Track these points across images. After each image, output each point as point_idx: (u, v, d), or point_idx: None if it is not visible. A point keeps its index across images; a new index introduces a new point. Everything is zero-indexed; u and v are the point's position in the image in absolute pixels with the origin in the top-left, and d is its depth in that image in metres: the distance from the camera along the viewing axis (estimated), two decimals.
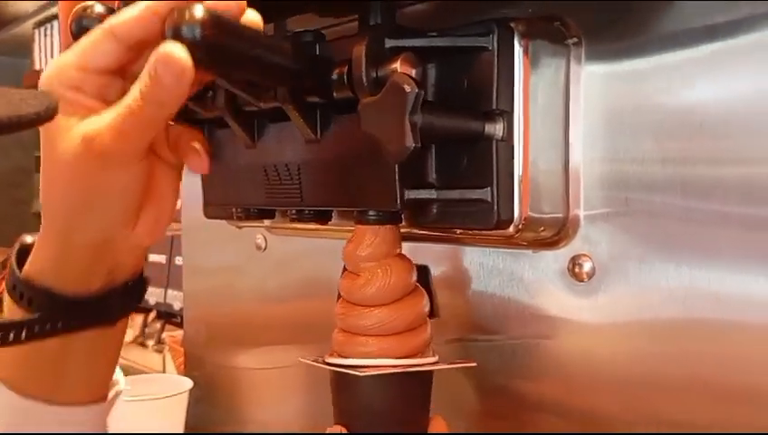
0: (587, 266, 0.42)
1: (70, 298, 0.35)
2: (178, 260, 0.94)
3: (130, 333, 1.50)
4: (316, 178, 0.44)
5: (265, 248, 0.64)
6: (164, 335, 1.27)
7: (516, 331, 0.47)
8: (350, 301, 0.41)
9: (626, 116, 0.41)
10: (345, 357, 0.40)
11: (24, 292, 0.36)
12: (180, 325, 1.07)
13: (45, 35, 2.49)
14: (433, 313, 0.51)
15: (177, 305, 0.93)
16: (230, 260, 0.70)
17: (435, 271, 0.51)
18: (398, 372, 0.37)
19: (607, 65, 0.41)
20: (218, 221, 0.64)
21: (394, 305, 0.39)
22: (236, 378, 0.70)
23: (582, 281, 0.43)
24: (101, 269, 0.36)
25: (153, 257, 1.00)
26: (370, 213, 0.42)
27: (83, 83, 0.32)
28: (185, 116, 0.50)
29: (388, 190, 0.40)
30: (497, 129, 0.39)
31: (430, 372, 0.40)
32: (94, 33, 0.32)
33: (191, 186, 0.74)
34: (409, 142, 0.34)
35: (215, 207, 0.55)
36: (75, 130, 0.31)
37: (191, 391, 0.66)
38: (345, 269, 0.43)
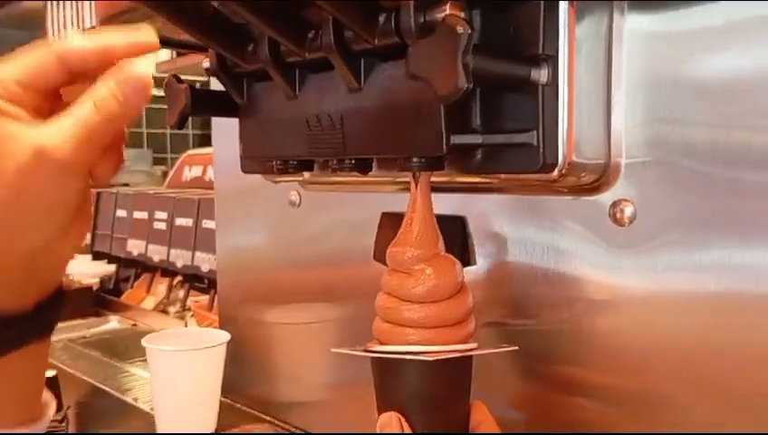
0: (628, 211, 0.43)
1: (6, 317, 0.32)
2: (205, 223, 0.96)
3: (152, 301, 1.52)
4: (359, 126, 0.45)
5: (299, 205, 0.65)
6: (188, 301, 1.28)
7: (555, 278, 0.48)
8: (397, 296, 0.40)
9: (667, 73, 0.41)
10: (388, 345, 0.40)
11: None
12: (206, 290, 1.09)
13: (58, 8, 2.49)
14: (469, 261, 0.53)
15: (204, 267, 0.95)
16: (263, 218, 0.71)
17: (472, 221, 0.52)
18: (446, 359, 0.38)
19: (650, 20, 0.42)
20: (251, 182, 0.65)
21: (444, 302, 0.39)
22: (269, 334, 0.72)
23: (623, 225, 0.43)
24: (35, 283, 0.34)
25: (180, 221, 1.01)
26: (414, 159, 0.42)
27: (23, 99, 0.31)
28: (224, 70, 0.51)
29: (434, 135, 0.40)
30: (542, 74, 0.39)
31: (471, 358, 0.40)
32: (40, 51, 0.32)
33: (223, 149, 0.75)
34: (462, 83, 0.34)
35: (253, 161, 0.56)
36: (23, 140, 0.30)
37: (227, 345, 0.67)
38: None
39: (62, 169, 0.30)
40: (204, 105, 0.52)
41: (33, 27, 2.65)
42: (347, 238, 0.63)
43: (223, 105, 0.53)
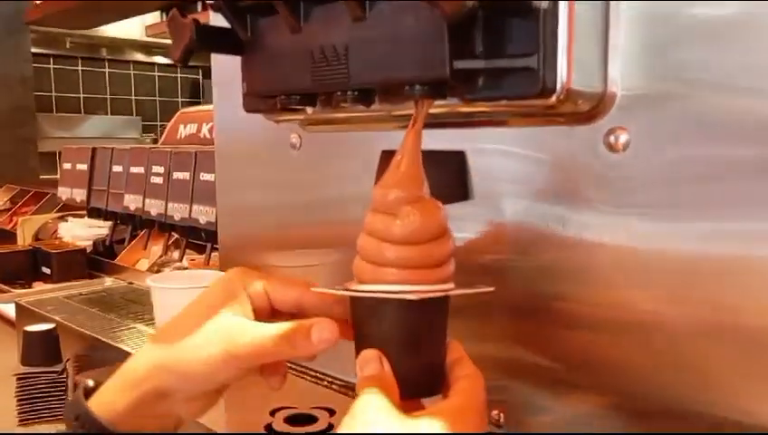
0: (623, 138, 0.45)
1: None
2: (202, 176, 0.96)
3: (146, 263, 1.53)
4: (364, 56, 0.46)
5: (300, 147, 0.66)
6: (185, 259, 1.29)
7: (550, 206, 0.49)
8: (379, 237, 0.40)
9: (665, 4, 0.43)
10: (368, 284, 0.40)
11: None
12: (202, 246, 1.10)
13: None
14: (467, 195, 0.54)
15: (202, 220, 0.96)
16: (263, 164, 0.72)
17: (470, 155, 0.53)
18: (426, 299, 0.38)
19: None
20: (251, 130, 0.66)
21: (426, 245, 0.39)
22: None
23: (618, 152, 0.45)
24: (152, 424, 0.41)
25: (177, 175, 1.02)
26: (417, 87, 0.44)
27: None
28: (228, 4, 0.52)
29: (437, 61, 0.42)
30: (543, 2, 0.41)
31: (449, 298, 0.40)
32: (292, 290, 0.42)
33: (223, 101, 0.76)
34: (467, 3, 0.35)
35: (256, 99, 0.57)
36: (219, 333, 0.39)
37: None
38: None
39: (237, 361, 0.38)
40: (208, 41, 0.53)
41: None
42: (348, 179, 0.64)
43: (227, 41, 0.54)
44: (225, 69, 0.75)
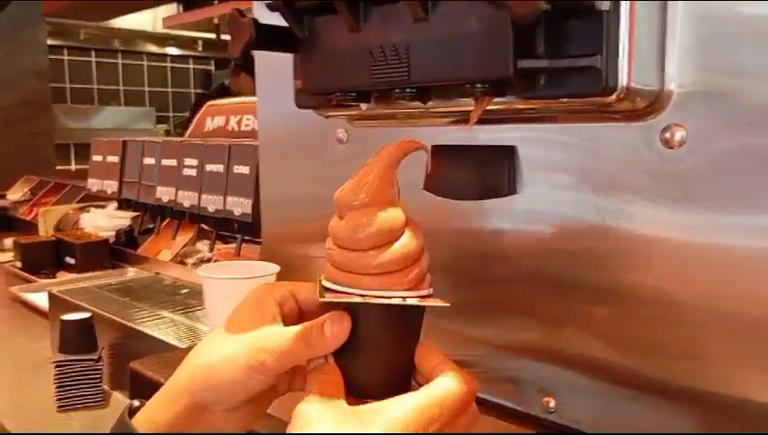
0: (679, 135, 0.46)
1: None
2: (236, 169, 0.98)
3: (168, 254, 1.55)
4: (425, 54, 0.47)
5: (347, 141, 0.68)
6: (213, 251, 1.31)
7: (604, 201, 0.51)
8: (337, 244, 0.41)
9: (722, 4, 0.44)
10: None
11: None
12: (232, 237, 1.11)
13: None
14: (512, 189, 0.55)
15: (236, 211, 0.97)
16: (308, 158, 0.73)
17: (522, 150, 0.55)
18: (375, 305, 0.38)
19: None
20: (295, 123, 0.67)
21: (378, 249, 0.39)
22: (315, 272, 0.75)
23: (673, 148, 0.46)
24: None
25: (210, 167, 1.04)
26: (478, 85, 0.45)
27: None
28: (287, 4, 0.53)
29: (501, 60, 0.43)
30: (605, 3, 0.42)
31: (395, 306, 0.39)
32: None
33: (267, 94, 0.77)
34: (541, 3, 0.37)
35: (308, 95, 0.58)
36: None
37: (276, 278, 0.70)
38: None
39: (260, 366, 0.39)
40: (266, 39, 0.54)
41: None
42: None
43: (283, 40, 0.55)
44: (269, 63, 0.76)
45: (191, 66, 3.87)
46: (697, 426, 0.47)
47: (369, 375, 0.40)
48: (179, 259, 1.52)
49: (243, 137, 1.15)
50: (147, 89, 3.73)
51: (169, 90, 3.80)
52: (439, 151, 0.58)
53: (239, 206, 0.96)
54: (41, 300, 1.26)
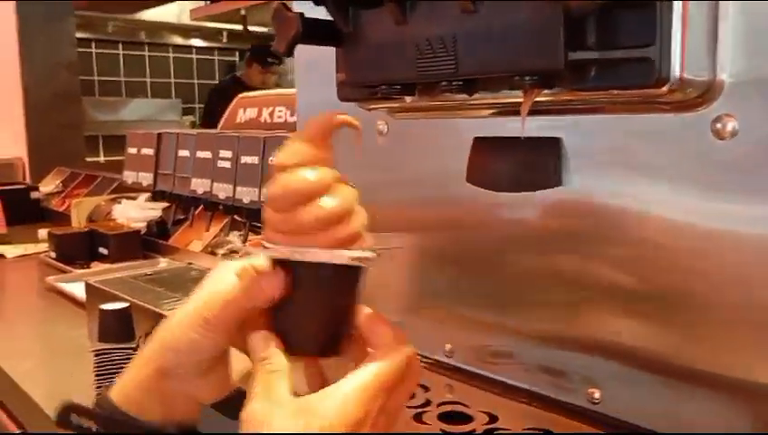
0: (730, 126, 0.46)
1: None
2: (271, 161, 0.99)
3: (199, 244, 1.57)
4: (473, 47, 0.47)
5: (386, 133, 0.68)
6: (246, 243, 1.32)
7: (654, 193, 0.51)
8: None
9: None
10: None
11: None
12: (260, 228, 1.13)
13: None
14: (558, 180, 0.55)
15: None
16: (348, 149, 0.74)
17: (568, 142, 0.55)
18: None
19: None
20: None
21: (301, 208, 0.39)
22: None
23: (724, 139, 0.46)
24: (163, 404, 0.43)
25: (245, 159, 1.05)
26: (527, 77, 0.45)
27: None
28: None
29: (551, 52, 0.43)
30: None
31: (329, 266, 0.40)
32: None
33: (306, 87, 0.78)
34: None
35: (351, 88, 0.59)
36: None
37: None
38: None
39: (206, 322, 0.40)
40: (311, 33, 0.54)
41: None
42: (436, 164, 0.66)
43: (328, 33, 0.56)
44: (309, 55, 0.77)
45: (216, 57, 3.89)
46: (748, 420, 0.47)
47: (301, 332, 0.41)
48: (210, 250, 1.54)
49: (275, 128, 1.16)
50: (173, 80, 3.76)
51: (195, 81, 3.83)
52: (483, 143, 0.59)
53: None
54: (77, 290, 1.29)
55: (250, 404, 0.37)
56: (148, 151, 1.40)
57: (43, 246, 1.72)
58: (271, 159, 1.00)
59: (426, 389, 0.60)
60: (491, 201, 0.60)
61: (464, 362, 0.64)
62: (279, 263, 0.40)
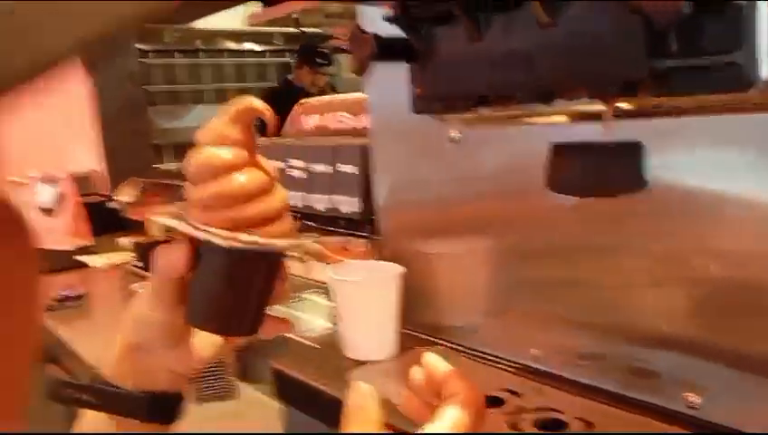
0: None
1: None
2: (340, 168, 1.01)
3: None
4: (551, 59, 0.48)
5: (459, 141, 0.69)
6: (315, 243, 1.35)
7: (741, 193, 0.50)
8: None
9: None
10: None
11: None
12: (336, 232, 1.15)
13: None
14: (640, 185, 0.55)
15: (344, 209, 1.01)
16: (422, 157, 0.75)
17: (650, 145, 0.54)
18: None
19: None
20: (408, 119, 0.69)
21: (204, 184, 0.42)
22: (433, 266, 0.77)
23: None
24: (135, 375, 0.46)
25: (316, 167, 1.08)
26: (610, 87, 0.45)
27: None
28: (406, 17, 0.55)
29: (634, 61, 0.43)
30: None
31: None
32: None
33: (378, 96, 0.79)
34: (686, 7, 0.36)
35: (426, 101, 0.60)
36: None
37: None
38: None
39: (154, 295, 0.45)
40: (385, 52, 0.56)
41: None
42: (509, 170, 0.66)
43: (402, 51, 0.57)
44: (381, 65, 0.78)
45: (270, 60, 3.96)
46: None
47: (196, 306, 0.43)
48: None
49: (338, 134, 1.19)
50: (229, 85, 3.85)
51: (251, 85, 3.91)
52: (562, 149, 0.59)
53: (347, 204, 1.00)
54: None
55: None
56: None
57: (126, 255, 1.80)
58: (338, 166, 1.03)
59: (516, 394, 0.61)
60: (572, 204, 0.60)
61: (552, 366, 0.65)
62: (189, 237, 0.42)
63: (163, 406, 0.46)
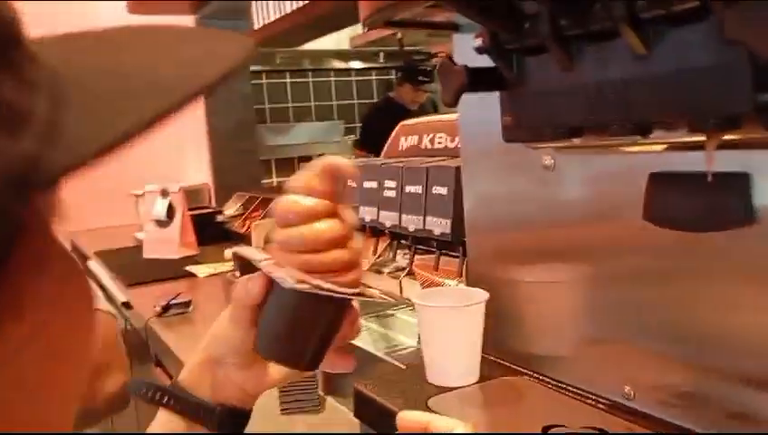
0: None
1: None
2: (434, 190, 1.02)
3: (365, 263, 1.64)
4: (647, 91, 0.46)
5: (554, 168, 0.68)
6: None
7: None
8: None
9: None
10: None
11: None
12: (429, 250, 1.16)
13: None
14: (747, 219, 0.52)
15: (436, 231, 1.01)
16: (514, 182, 0.74)
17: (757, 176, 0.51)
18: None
19: None
20: (500, 144, 0.69)
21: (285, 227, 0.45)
22: (521, 292, 0.76)
23: None
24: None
25: (409, 188, 1.09)
26: (711, 120, 0.43)
27: None
28: (497, 47, 0.55)
29: (738, 96, 0.41)
30: None
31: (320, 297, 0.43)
32: None
33: (469, 120, 0.80)
34: None
35: (517, 130, 0.60)
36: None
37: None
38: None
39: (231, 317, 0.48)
40: (475, 82, 0.56)
41: (237, 18, 2.91)
42: (604, 199, 0.64)
43: (492, 81, 0.57)
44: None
45: (373, 78, 4.05)
46: None
47: (265, 337, 0.46)
48: (376, 268, 1.61)
49: (436, 155, 1.19)
50: (335, 103, 3.97)
51: (355, 102, 4.02)
52: (662, 179, 0.56)
53: (438, 226, 1.00)
54: None
55: None
56: None
57: (230, 266, 1.89)
58: (432, 187, 1.03)
59: (604, 434, 0.59)
60: (669, 233, 0.58)
61: (646, 406, 0.62)
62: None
63: (232, 420, 0.50)
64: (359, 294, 0.45)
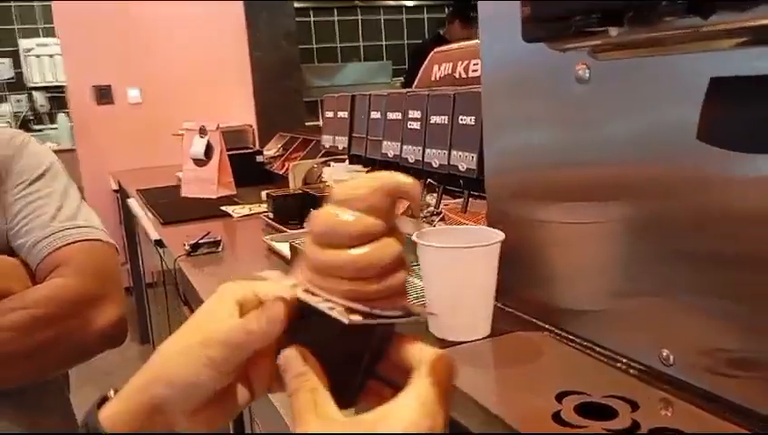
0: None
1: None
2: (461, 120, 0.90)
3: (400, 207, 1.55)
4: None
5: (589, 80, 0.55)
6: (440, 207, 1.26)
7: None
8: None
9: None
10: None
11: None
12: (458, 193, 1.05)
13: None
14: None
15: (461, 167, 0.90)
16: (540, 104, 0.62)
17: None
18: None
19: None
20: (523, 67, 0.57)
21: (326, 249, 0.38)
22: (545, 235, 0.65)
23: None
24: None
25: (434, 119, 0.97)
26: None
27: None
28: None
29: None
30: None
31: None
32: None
33: (490, 35, 0.68)
34: None
35: (539, 24, 0.47)
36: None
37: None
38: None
39: (211, 362, 0.39)
40: None
41: None
42: (652, 113, 0.52)
43: None
44: (491, 10, 0.66)
45: (425, 15, 3.87)
46: None
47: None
48: (409, 212, 1.51)
49: (471, 83, 1.06)
50: (384, 43, 3.83)
51: (405, 42, 3.86)
52: (724, 86, 0.43)
53: (464, 160, 0.89)
54: (286, 249, 1.34)
55: (304, 425, 0.35)
56: (343, 114, 1.39)
57: (265, 207, 1.84)
58: (461, 117, 0.91)
59: (634, 406, 0.48)
60: (727, 166, 0.45)
61: (685, 374, 0.50)
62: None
63: None
64: (408, 315, 0.39)
